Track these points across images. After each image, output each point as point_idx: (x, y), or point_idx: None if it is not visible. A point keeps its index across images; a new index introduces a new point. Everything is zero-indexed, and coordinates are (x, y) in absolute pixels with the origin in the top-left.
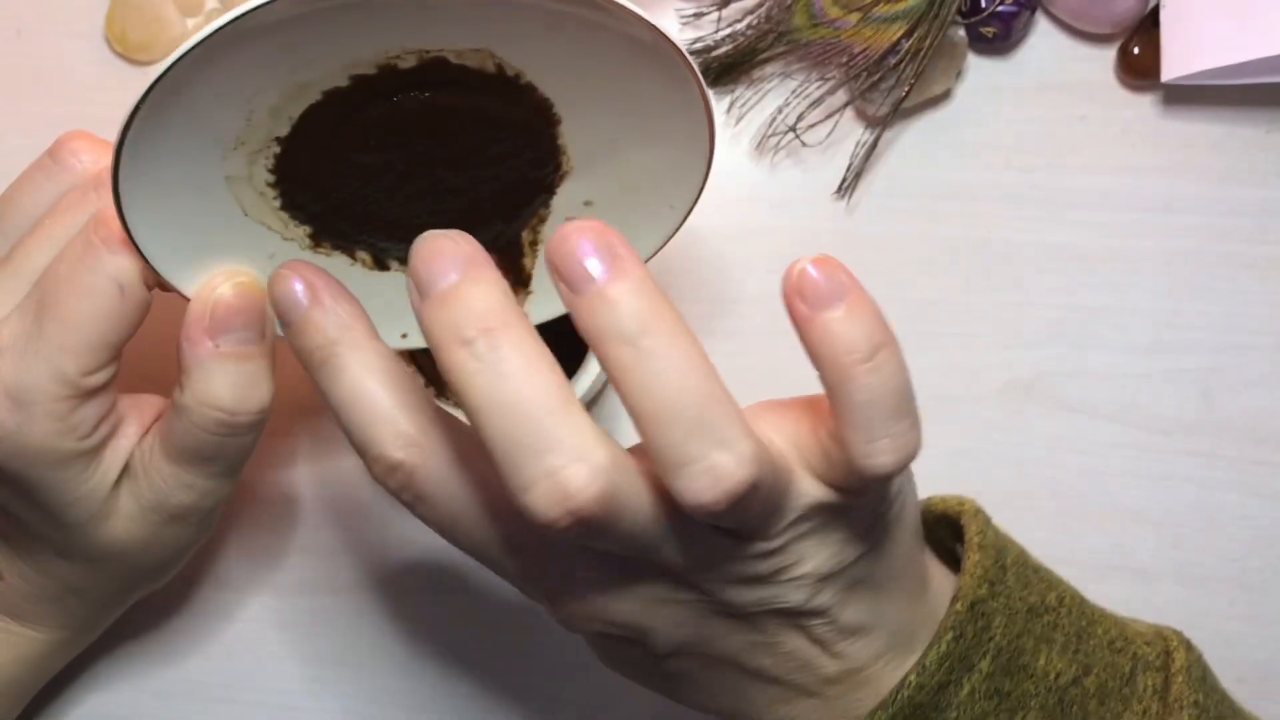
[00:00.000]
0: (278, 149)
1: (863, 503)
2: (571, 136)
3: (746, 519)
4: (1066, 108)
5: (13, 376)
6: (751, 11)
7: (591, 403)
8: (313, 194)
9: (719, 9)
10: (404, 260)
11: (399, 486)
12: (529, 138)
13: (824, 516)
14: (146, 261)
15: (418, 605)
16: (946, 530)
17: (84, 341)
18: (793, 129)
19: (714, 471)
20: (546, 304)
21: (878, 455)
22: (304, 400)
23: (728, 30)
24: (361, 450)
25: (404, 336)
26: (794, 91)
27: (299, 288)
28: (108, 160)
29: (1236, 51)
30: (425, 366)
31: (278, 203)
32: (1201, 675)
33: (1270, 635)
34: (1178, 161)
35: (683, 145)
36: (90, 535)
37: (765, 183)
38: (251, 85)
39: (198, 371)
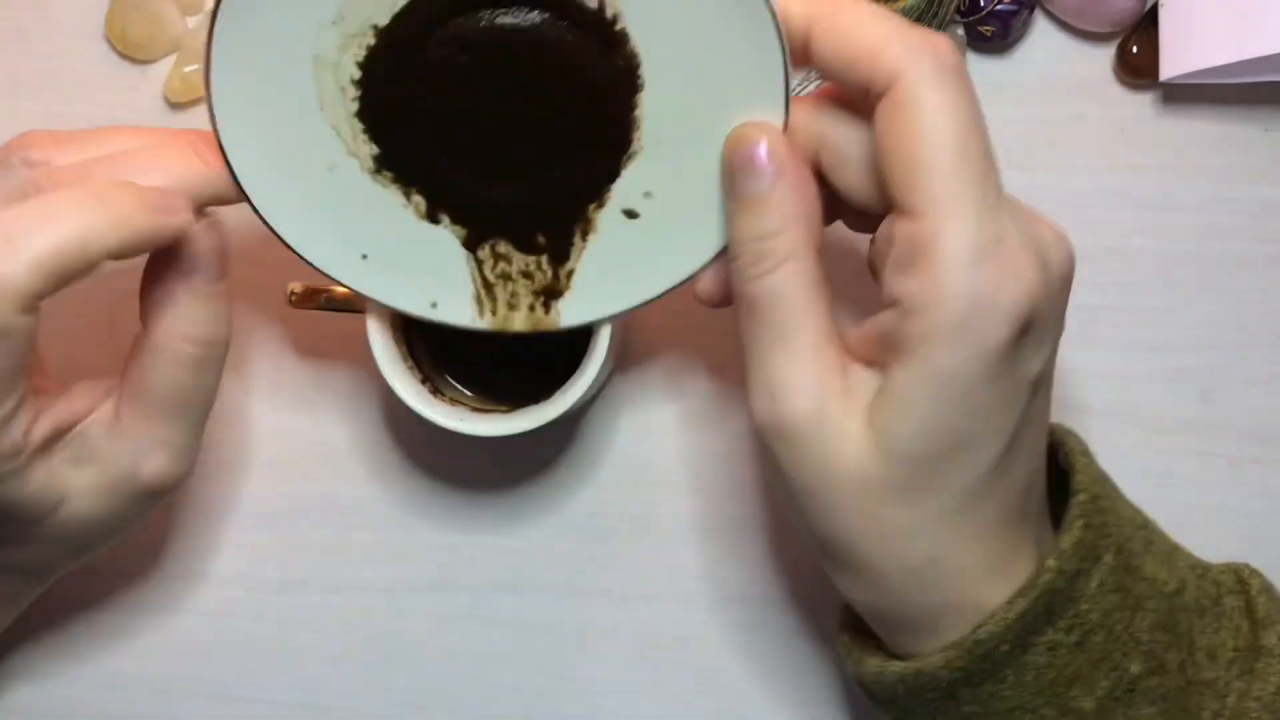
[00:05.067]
0: (371, 40)
1: None
2: (649, 109)
3: None
4: (1065, 107)
5: None
6: None
7: (588, 404)
8: (390, 103)
9: None
10: (454, 217)
11: None
12: (608, 102)
13: None
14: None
15: (416, 602)
16: None
17: None
18: None
19: None
20: (583, 305)
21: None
22: (305, 396)
23: None
24: None
25: (434, 306)
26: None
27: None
28: (64, 159)
29: (1235, 50)
30: (423, 365)
31: (355, 105)
32: None
33: None
34: (1176, 160)
35: None
36: (48, 527)
37: None
38: None
39: (171, 307)
